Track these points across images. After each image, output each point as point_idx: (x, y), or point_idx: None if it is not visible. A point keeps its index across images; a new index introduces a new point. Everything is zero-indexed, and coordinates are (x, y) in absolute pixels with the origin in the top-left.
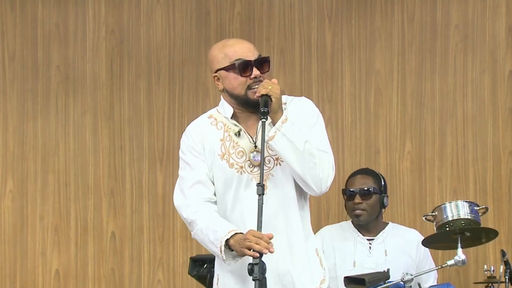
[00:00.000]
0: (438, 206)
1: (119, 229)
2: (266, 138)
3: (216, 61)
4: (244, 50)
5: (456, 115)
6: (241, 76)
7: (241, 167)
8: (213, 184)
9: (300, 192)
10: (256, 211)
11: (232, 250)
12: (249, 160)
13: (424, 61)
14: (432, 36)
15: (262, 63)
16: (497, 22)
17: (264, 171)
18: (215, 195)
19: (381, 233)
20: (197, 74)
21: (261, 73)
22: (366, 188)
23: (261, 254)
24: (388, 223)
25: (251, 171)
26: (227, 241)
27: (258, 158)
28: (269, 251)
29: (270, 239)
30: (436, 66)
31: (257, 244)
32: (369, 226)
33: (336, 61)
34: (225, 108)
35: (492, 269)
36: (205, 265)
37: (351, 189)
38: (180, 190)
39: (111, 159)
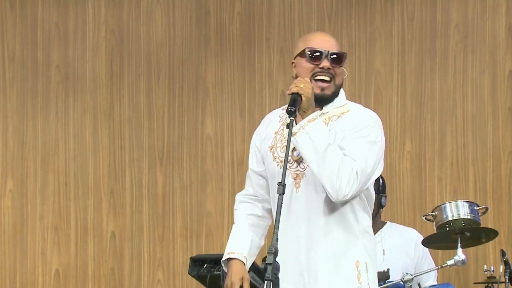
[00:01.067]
0: (438, 206)
1: (119, 229)
2: (294, 129)
3: (297, 49)
4: (324, 42)
5: (456, 115)
6: (310, 62)
7: (281, 161)
8: (264, 179)
9: None
10: (286, 208)
11: None
12: (290, 155)
13: (424, 61)
14: (432, 36)
15: (336, 57)
16: (497, 22)
17: (301, 169)
18: (267, 190)
19: (379, 232)
20: (197, 74)
21: (333, 66)
22: None
23: (275, 254)
24: (386, 222)
25: (289, 167)
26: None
27: (297, 154)
28: None
29: None
30: (436, 66)
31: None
32: None
33: None
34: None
35: (492, 269)
36: (205, 265)
37: None
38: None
39: (111, 159)
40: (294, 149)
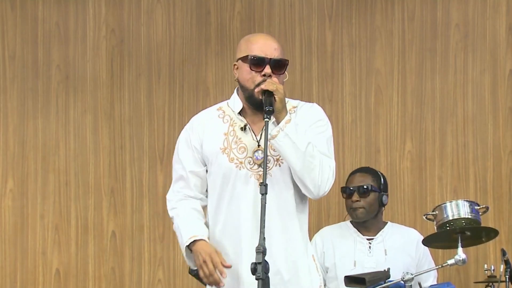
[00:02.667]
0: (439, 206)
1: (120, 228)
2: (269, 136)
3: (239, 50)
4: (266, 47)
5: (456, 115)
6: (252, 70)
7: (241, 162)
8: (201, 179)
9: (301, 195)
10: (252, 208)
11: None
12: (250, 157)
13: (424, 60)
14: (433, 35)
15: (278, 64)
16: (498, 21)
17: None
18: (206, 191)
19: (380, 232)
20: (197, 73)
21: (274, 73)
22: (364, 186)
23: (264, 253)
24: (387, 222)
25: (250, 168)
26: (188, 247)
27: (261, 157)
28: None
29: (227, 267)
30: (437, 66)
31: (210, 276)
32: (368, 225)
33: (336, 60)
34: (235, 102)
35: (493, 268)
36: None
37: (350, 187)
38: (172, 185)
39: (112, 158)
40: (256, 150)
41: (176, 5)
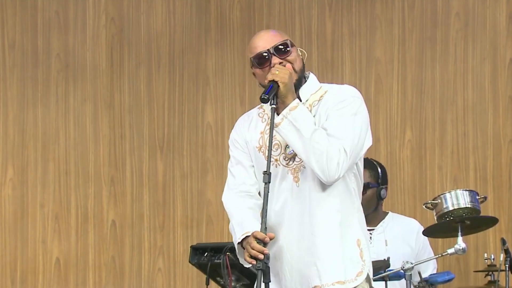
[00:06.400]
0: (438, 196)
1: (120, 217)
2: (274, 125)
3: (249, 61)
4: (263, 41)
5: (456, 103)
6: (260, 69)
7: (276, 160)
8: (254, 175)
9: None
10: (290, 205)
11: None
12: (283, 153)
13: (424, 49)
14: (433, 24)
15: (279, 49)
16: (498, 10)
17: (296, 163)
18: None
19: (381, 223)
20: (197, 62)
21: (282, 58)
22: None
23: (264, 244)
24: (387, 213)
25: (286, 164)
26: (240, 243)
27: (291, 151)
28: (258, 257)
29: (271, 238)
30: (437, 54)
31: (252, 249)
32: (368, 218)
33: (336, 49)
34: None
35: (492, 257)
36: (206, 254)
37: None
38: (227, 184)
39: (111, 147)
40: (287, 146)
41: None
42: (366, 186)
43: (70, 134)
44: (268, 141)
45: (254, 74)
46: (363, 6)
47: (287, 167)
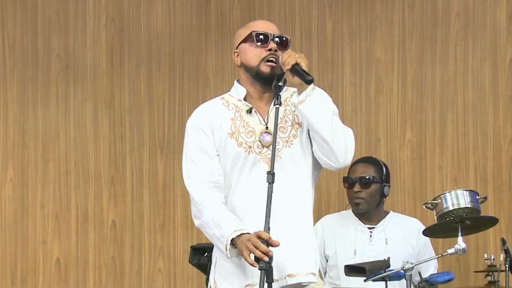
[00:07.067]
0: (438, 196)
1: (120, 217)
2: (295, 102)
3: (239, 37)
4: (267, 26)
5: (456, 104)
6: (257, 45)
7: (250, 146)
8: (217, 163)
9: (310, 177)
10: (258, 193)
11: (236, 248)
12: (258, 140)
13: (424, 49)
14: (433, 24)
15: (281, 41)
16: (498, 10)
17: (270, 152)
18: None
19: (381, 221)
20: (197, 62)
21: (278, 49)
22: (366, 177)
23: (267, 244)
24: (389, 212)
25: (259, 152)
26: (232, 239)
27: (269, 139)
28: (264, 259)
29: (276, 246)
30: (437, 55)
31: (257, 249)
32: (370, 215)
33: (336, 50)
34: (238, 90)
35: (493, 257)
36: (206, 254)
37: (352, 177)
38: (191, 171)
39: (112, 148)
40: (263, 132)
41: None
42: (370, 181)
43: (70, 134)
44: (241, 126)
45: (236, 52)
46: (363, 6)
47: (259, 155)
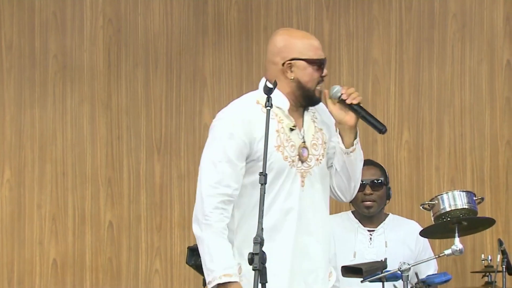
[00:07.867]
0: (435, 197)
1: (117, 218)
2: (349, 149)
3: (297, 50)
4: (319, 49)
5: (453, 105)
6: (313, 68)
7: (293, 161)
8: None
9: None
10: (295, 206)
11: None
12: (298, 154)
13: (421, 50)
14: (430, 25)
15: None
16: (495, 12)
17: (305, 168)
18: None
19: (381, 224)
20: (194, 63)
21: None
22: (377, 180)
23: (261, 244)
24: (388, 214)
25: (298, 166)
26: (218, 284)
27: (305, 153)
28: None
29: None
30: (434, 56)
31: None
32: (371, 217)
33: (333, 50)
34: (282, 100)
35: (490, 258)
36: None
37: (362, 180)
38: (209, 175)
39: (109, 149)
40: (302, 146)
41: None
42: (381, 183)
43: (67, 135)
44: (285, 140)
45: (290, 64)
46: (360, 7)
47: (298, 169)
